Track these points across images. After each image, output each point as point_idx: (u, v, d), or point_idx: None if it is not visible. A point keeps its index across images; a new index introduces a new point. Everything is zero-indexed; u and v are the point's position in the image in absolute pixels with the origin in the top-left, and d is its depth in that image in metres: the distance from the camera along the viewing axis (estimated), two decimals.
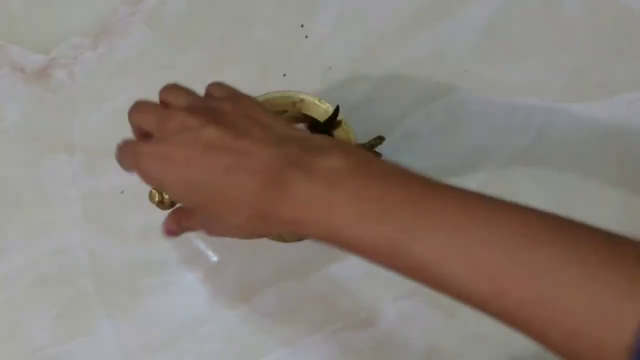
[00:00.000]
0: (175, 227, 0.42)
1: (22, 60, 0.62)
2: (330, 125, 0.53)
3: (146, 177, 0.37)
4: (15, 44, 0.62)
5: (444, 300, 0.48)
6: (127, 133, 0.60)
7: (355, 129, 0.58)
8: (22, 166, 0.59)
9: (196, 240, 0.56)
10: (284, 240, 0.52)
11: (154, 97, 0.60)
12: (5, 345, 0.54)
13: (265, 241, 0.51)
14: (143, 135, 0.39)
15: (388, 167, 0.30)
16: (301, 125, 0.54)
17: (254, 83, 0.60)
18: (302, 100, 0.53)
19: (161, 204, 0.47)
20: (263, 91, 0.60)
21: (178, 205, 0.46)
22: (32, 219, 0.57)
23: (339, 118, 0.52)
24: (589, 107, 0.58)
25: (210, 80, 0.62)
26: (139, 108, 0.39)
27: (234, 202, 0.31)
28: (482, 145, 0.57)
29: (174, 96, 0.39)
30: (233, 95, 0.40)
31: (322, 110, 0.53)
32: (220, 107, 0.36)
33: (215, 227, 0.37)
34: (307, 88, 0.60)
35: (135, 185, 0.58)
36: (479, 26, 0.61)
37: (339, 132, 0.52)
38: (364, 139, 0.58)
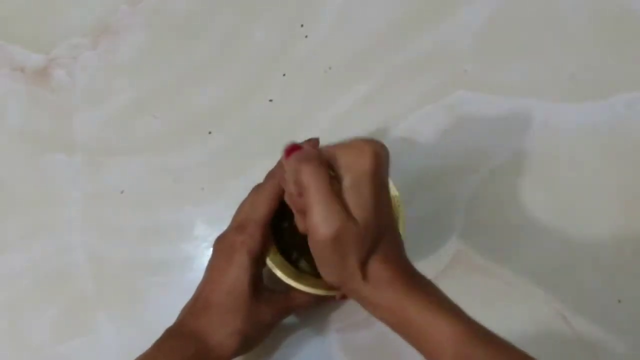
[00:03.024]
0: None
1: (22, 60, 0.62)
2: None
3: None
4: (15, 43, 0.62)
5: None
6: (127, 133, 0.60)
7: (355, 130, 0.58)
8: (21, 166, 0.59)
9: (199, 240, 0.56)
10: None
11: (154, 97, 0.61)
12: (5, 345, 0.54)
13: None
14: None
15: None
16: None
17: (254, 83, 0.61)
18: None
19: None
20: (264, 91, 0.60)
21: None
22: (32, 219, 0.57)
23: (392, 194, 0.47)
24: (589, 107, 0.58)
25: (211, 78, 0.62)
26: None
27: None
28: (482, 145, 0.57)
29: None
30: None
31: None
32: None
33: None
34: (307, 88, 0.60)
35: (135, 186, 0.59)
36: (478, 26, 0.61)
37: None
38: None
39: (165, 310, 0.54)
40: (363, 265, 0.38)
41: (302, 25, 0.61)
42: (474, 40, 0.60)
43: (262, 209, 0.46)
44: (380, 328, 0.53)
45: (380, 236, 0.39)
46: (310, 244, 0.38)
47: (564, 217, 0.55)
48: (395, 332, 0.40)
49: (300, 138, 0.57)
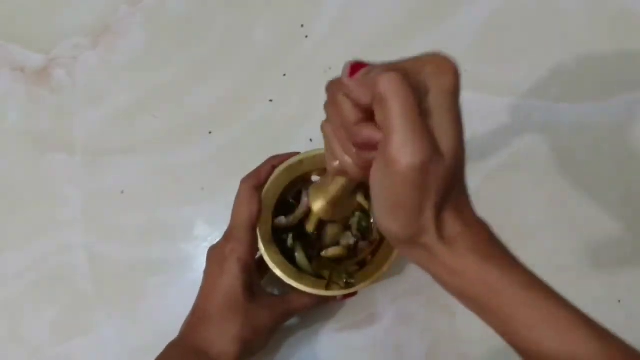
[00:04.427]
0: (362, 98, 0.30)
1: (22, 60, 0.62)
2: None
3: None
4: (15, 43, 0.62)
5: (444, 300, 0.48)
6: (127, 133, 0.60)
7: None
8: (22, 166, 0.59)
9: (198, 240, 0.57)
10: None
11: (154, 96, 0.61)
12: (5, 345, 0.54)
13: None
14: None
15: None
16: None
17: (254, 83, 0.60)
18: None
19: None
20: (264, 91, 0.60)
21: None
22: (32, 218, 0.57)
23: None
24: (589, 108, 0.58)
25: (211, 79, 0.62)
26: None
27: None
28: (482, 144, 0.57)
29: None
30: None
31: None
32: None
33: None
34: (307, 88, 0.60)
35: (135, 185, 0.59)
36: (478, 26, 0.61)
37: None
38: None
39: (165, 309, 0.54)
40: (438, 214, 0.31)
41: (302, 26, 0.61)
42: (474, 40, 0.60)
43: (243, 213, 0.46)
44: (382, 328, 0.53)
45: (457, 177, 0.31)
46: (382, 177, 0.30)
47: (564, 217, 0.55)
48: (466, 304, 0.33)
49: (300, 138, 0.57)
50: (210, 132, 0.59)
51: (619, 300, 0.53)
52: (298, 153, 0.49)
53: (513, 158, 0.57)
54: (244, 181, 0.48)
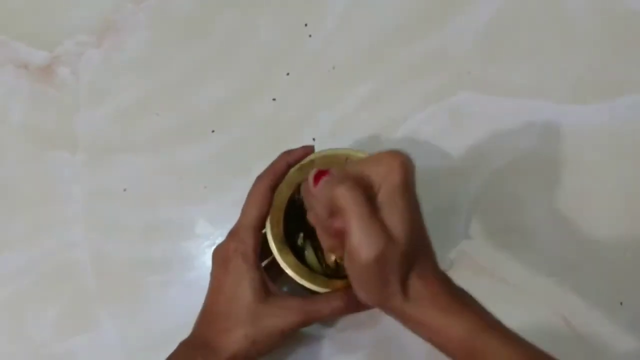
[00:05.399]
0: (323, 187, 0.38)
1: (26, 57, 0.62)
2: None
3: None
4: (19, 40, 0.62)
5: None
6: (130, 131, 0.60)
7: (358, 130, 0.58)
8: (24, 164, 0.59)
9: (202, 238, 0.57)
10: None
11: (157, 95, 0.61)
12: (6, 343, 0.55)
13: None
14: None
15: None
16: None
17: (257, 82, 0.60)
18: (349, 158, 0.48)
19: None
20: (267, 90, 0.60)
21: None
22: (34, 216, 0.58)
23: None
24: (592, 109, 0.58)
25: (214, 77, 0.62)
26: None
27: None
28: (485, 146, 0.57)
29: None
30: None
31: None
32: None
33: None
34: (311, 87, 0.60)
35: (138, 184, 0.59)
36: (481, 27, 0.61)
37: None
38: (364, 140, 0.58)
39: (166, 308, 0.55)
40: (403, 282, 0.38)
41: (306, 25, 0.61)
42: (478, 41, 0.60)
43: (252, 213, 0.46)
44: (383, 328, 0.53)
45: (417, 250, 0.38)
46: (350, 266, 0.38)
47: (566, 218, 0.55)
48: (439, 351, 0.39)
49: (303, 137, 0.57)
50: (213, 131, 0.59)
51: (621, 303, 0.53)
52: (311, 146, 0.49)
53: (515, 159, 0.57)
54: (259, 179, 0.47)
